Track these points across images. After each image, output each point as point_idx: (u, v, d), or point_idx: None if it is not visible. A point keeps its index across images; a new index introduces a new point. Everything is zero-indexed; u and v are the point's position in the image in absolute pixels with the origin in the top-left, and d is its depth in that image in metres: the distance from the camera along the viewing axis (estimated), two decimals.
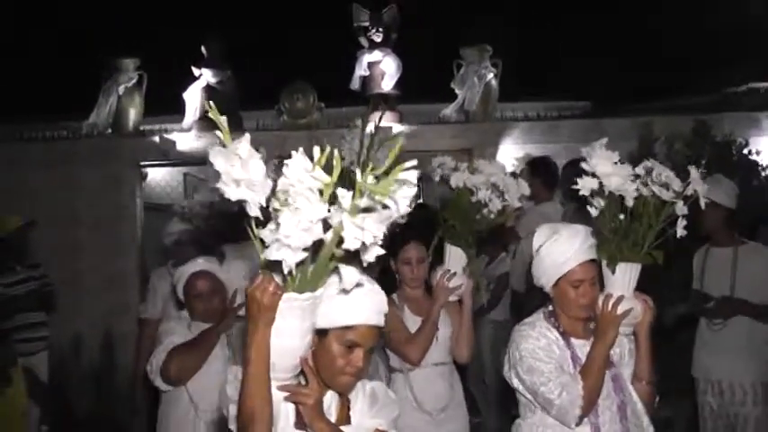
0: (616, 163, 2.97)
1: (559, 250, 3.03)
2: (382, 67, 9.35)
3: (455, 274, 4.18)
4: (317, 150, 1.86)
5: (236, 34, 10.98)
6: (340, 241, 1.85)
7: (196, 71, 9.19)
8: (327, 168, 1.86)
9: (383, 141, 3.47)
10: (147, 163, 9.03)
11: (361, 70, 9.44)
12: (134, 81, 9.03)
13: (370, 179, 1.81)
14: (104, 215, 8.48)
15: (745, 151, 7.34)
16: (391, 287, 4.20)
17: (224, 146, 1.88)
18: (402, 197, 1.84)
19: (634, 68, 12.77)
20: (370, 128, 3.91)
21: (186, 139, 8.84)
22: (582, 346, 3.09)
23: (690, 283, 5.27)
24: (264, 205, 1.86)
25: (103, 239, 8.44)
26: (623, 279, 3.05)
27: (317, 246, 1.90)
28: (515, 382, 3.14)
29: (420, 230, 4.31)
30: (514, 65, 9.49)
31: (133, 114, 9.00)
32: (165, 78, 9.09)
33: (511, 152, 8.57)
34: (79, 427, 7.46)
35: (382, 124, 4.02)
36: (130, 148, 8.82)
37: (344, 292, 2.09)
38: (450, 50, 9.44)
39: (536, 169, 6.41)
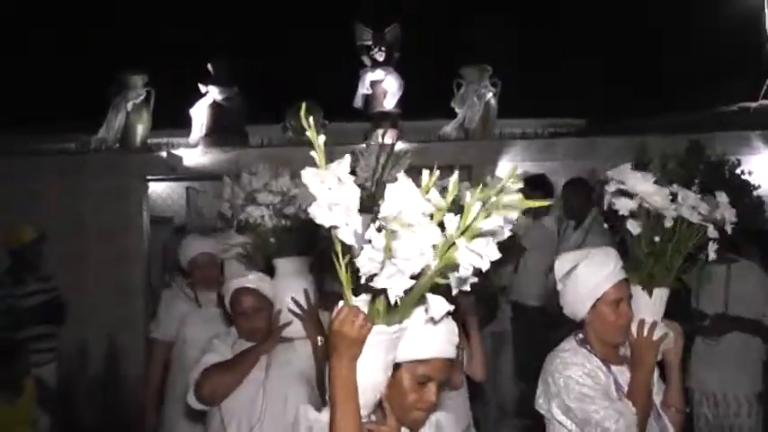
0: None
1: (594, 272, 2.91)
2: (384, 86, 9.52)
3: None
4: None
5: (242, 51, 11.16)
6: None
7: (203, 88, 9.35)
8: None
9: (398, 160, 3.60)
10: (153, 177, 9.15)
11: (363, 89, 9.60)
12: (142, 97, 9.19)
13: (496, 199, 1.71)
14: (112, 228, 8.58)
15: (738, 171, 7.47)
16: None
17: (317, 166, 1.78)
18: (509, 219, 1.74)
19: (628, 87, 12.92)
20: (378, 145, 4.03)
21: (193, 155, 8.99)
22: (620, 373, 3.00)
23: (683, 301, 5.40)
24: (360, 231, 1.78)
25: (111, 251, 8.54)
26: (655, 304, 3.00)
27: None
28: (556, 413, 2.95)
29: None
30: (513, 81, 9.67)
31: (141, 130, 9.15)
32: (172, 90, 9.26)
33: (509, 169, 8.68)
34: None
35: (386, 142, 4.14)
36: (138, 163, 8.95)
37: (431, 321, 1.99)
38: (450, 67, 9.63)
39: (536, 185, 6.55)
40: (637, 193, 2.92)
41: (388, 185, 1.71)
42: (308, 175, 1.75)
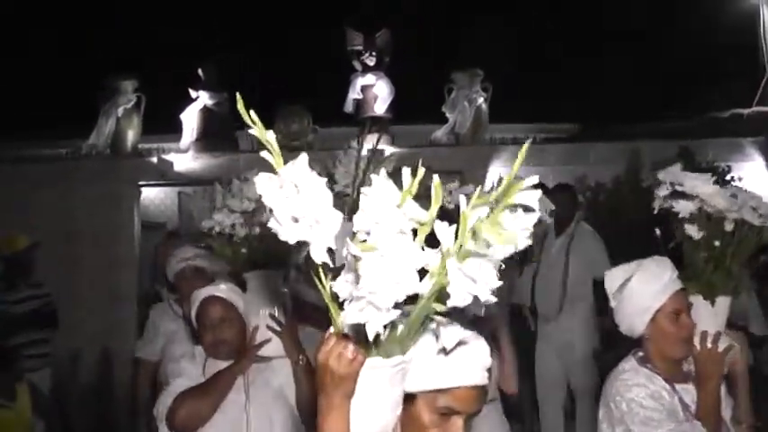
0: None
1: (649, 284, 2.71)
2: (375, 91, 9.54)
3: None
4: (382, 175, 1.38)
5: (232, 56, 11.16)
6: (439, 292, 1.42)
7: (193, 93, 9.36)
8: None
9: (379, 164, 3.47)
10: (145, 183, 9.14)
11: (354, 93, 9.62)
12: (132, 102, 9.19)
13: (481, 212, 1.37)
14: (103, 234, 8.56)
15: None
16: None
17: (274, 172, 1.40)
18: (522, 229, 1.39)
19: (620, 92, 12.97)
20: (364, 150, 3.93)
21: (183, 160, 8.99)
22: (685, 392, 2.76)
23: None
24: (334, 247, 1.40)
25: (102, 258, 8.51)
26: (717, 314, 2.79)
27: (410, 299, 1.42)
28: None
29: None
30: (505, 86, 9.70)
31: (131, 135, 9.15)
32: (162, 97, 9.27)
33: (500, 174, 8.72)
34: None
35: (370, 146, 4.03)
36: (129, 169, 8.95)
37: (442, 351, 1.63)
38: (442, 71, 9.66)
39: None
40: (696, 195, 2.72)
41: (363, 190, 1.38)
42: (261, 181, 1.39)
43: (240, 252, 3.51)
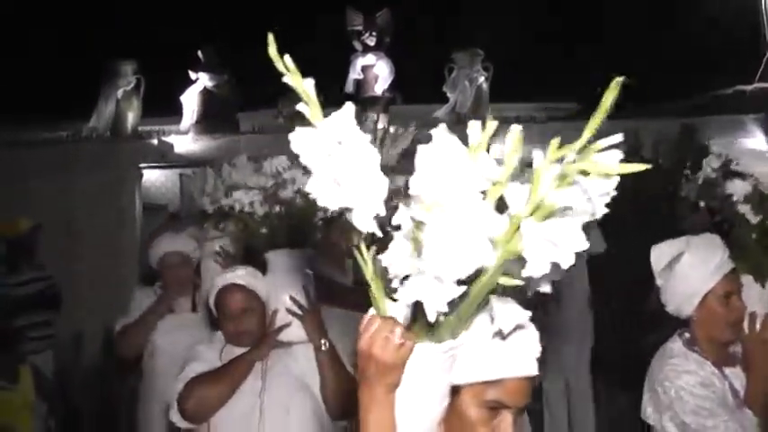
0: None
1: (700, 264, 2.60)
2: (375, 71, 9.53)
3: None
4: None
5: (232, 36, 11.14)
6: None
7: (193, 75, 9.34)
8: None
9: (397, 138, 3.46)
10: (145, 165, 9.13)
11: (354, 74, 9.61)
12: (132, 85, 9.20)
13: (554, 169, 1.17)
14: (105, 217, 8.52)
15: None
16: None
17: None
18: (600, 192, 1.19)
19: (621, 71, 12.90)
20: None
21: (184, 142, 8.99)
22: (735, 376, 2.66)
23: None
24: (384, 213, 1.19)
25: (104, 240, 8.50)
26: (767, 295, 2.72)
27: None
28: (669, 426, 2.62)
29: None
30: (506, 65, 9.67)
31: (131, 118, 9.17)
32: (162, 80, 9.25)
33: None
34: (84, 422, 7.58)
35: (380, 127, 4.02)
36: (129, 151, 8.93)
37: (499, 335, 1.40)
38: (443, 51, 9.63)
39: None
40: (751, 174, 2.66)
41: (420, 147, 1.17)
42: (298, 138, 1.19)
43: (259, 232, 3.38)
